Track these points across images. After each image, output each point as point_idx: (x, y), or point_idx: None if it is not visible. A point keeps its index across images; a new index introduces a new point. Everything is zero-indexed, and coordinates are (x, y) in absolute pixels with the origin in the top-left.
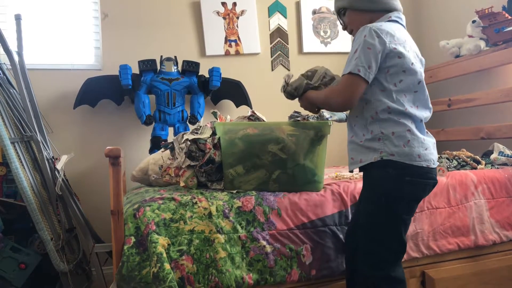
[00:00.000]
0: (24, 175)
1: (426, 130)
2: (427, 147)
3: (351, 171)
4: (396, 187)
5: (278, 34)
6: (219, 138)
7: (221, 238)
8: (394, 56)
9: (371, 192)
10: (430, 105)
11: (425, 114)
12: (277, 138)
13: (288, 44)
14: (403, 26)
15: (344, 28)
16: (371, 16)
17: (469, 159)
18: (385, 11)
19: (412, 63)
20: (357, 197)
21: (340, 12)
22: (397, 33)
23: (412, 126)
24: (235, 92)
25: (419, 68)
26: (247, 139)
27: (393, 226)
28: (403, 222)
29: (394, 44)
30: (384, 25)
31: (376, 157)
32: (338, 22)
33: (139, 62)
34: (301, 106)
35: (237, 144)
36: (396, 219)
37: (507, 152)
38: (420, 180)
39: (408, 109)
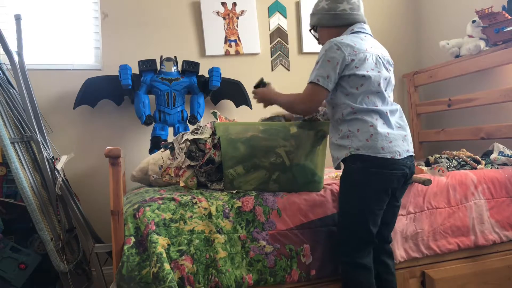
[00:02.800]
0: (24, 175)
1: (396, 123)
2: (392, 140)
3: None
4: (362, 177)
5: (278, 34)
6: (219, 138)
7: (221, 238)
8: (352, 66)
9: (343, 184)
10: (394, 103)
11: (390, 107)
12: (282, 145)
13: (288, 44)
14: (369, 34)
15: (319, 42)
16: (337, 31)
17: (469, 159)
18: (348, 25)
19: (372, 69)
20: None
21: (313, 29)
22: (358, 44)
23: (376, 122)
24: (235, 92)
25: (378, 72)
26: (251, 143)
27: (360, 216)
28: (370, 213)
29: (353, 56)
30: (345, 38)
31: (346, 153)
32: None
33: (139, 62)
34: (257, 99)
35: (240, 147)
36: (363, 208)
37: (507, 152)
38: (385, 171)
39: (371, 107)
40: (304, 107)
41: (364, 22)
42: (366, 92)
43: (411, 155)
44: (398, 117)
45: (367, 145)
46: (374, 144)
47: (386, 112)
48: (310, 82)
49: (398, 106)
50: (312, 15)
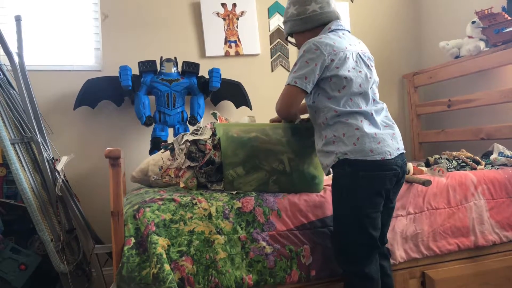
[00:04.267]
0: (24, 176)
1: (383, 122)
2: (380, 141)
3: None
4: (352, 182)
5: (278, 35)
6: (219, 139)
7: (221, 239)
8: (333, 67)
9: (334, 190)
10: (379, 101)
11: (374, 107)
12: (285, 151)
13: (288, 45)
14: (346, 30)
15: (298, 48)
16: (313, 33)
17: (469, 160)
18: (322, 24)
19: (353, 68)
20: None
21: (288, 36)
22: (337, 42)
23: (362, 124)
24: (235, 93)
25: (359, 72)
26: (252, 144)
27: (356, 220)
28: (366, 216)
29: (333, 55)
30: (324, 37)
31: (334, 159)
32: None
33: (139, 63)
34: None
35: (240, 148)
36: (358, 213)
37: (507, 152)
38: (375, 173)
39: (355, 109)
40: (280, 108)
41: (339, 19)
42: (349, 94)
43: (402, 153)
44: (384, 116)
45: (355, 149)
46: (362, 147)
47: (371, 113)
48: (287, 85)
49: (384, 105)
50: (284, 23)
